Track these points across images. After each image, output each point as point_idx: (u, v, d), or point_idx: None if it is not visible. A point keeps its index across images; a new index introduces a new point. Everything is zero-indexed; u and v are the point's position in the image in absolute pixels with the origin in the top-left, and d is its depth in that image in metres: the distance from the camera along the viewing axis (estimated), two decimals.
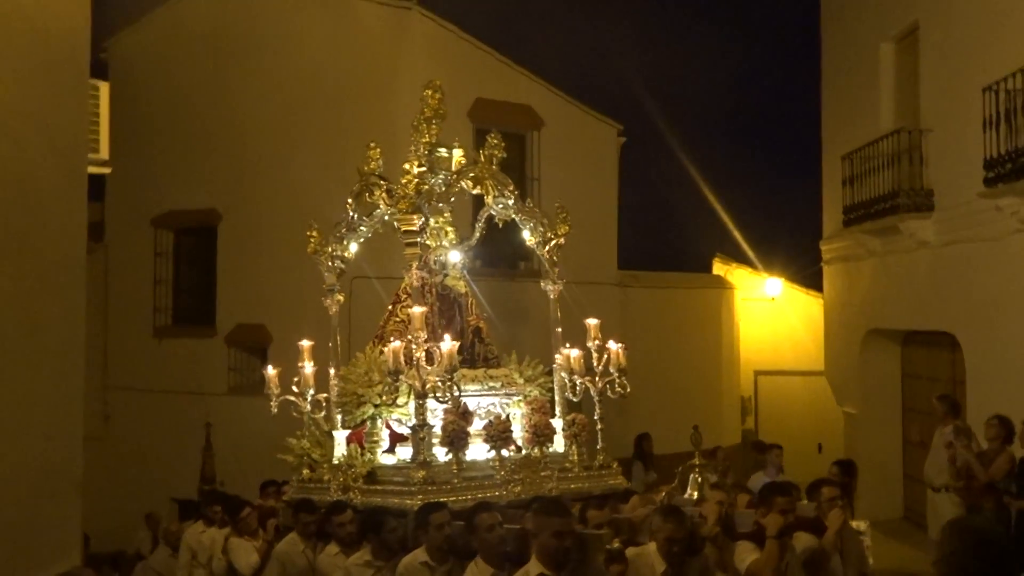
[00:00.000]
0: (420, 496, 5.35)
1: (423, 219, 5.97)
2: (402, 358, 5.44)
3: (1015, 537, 6.12)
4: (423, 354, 5.47)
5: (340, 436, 6.16)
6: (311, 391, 6.30)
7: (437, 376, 5.43)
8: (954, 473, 6.85)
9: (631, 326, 12.41)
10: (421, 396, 5.50)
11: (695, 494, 5.99)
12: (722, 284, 16.47)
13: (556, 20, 15.28)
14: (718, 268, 17.20)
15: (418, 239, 5.99)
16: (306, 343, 6.42)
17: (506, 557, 4.52)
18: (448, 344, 5.47)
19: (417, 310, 5.65)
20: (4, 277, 3.84)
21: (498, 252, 11.17)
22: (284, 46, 12.35)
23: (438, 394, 5.48)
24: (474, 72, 12.42)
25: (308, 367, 6.33)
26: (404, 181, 6.00)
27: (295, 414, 6.38)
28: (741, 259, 16.91)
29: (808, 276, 15.51)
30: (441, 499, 5.24)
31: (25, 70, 3.88)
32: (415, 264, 5.99)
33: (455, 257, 6.64)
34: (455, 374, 5.45)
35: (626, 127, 14.43)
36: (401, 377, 5.53)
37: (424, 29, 12.47)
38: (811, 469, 8.61)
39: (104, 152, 4.92)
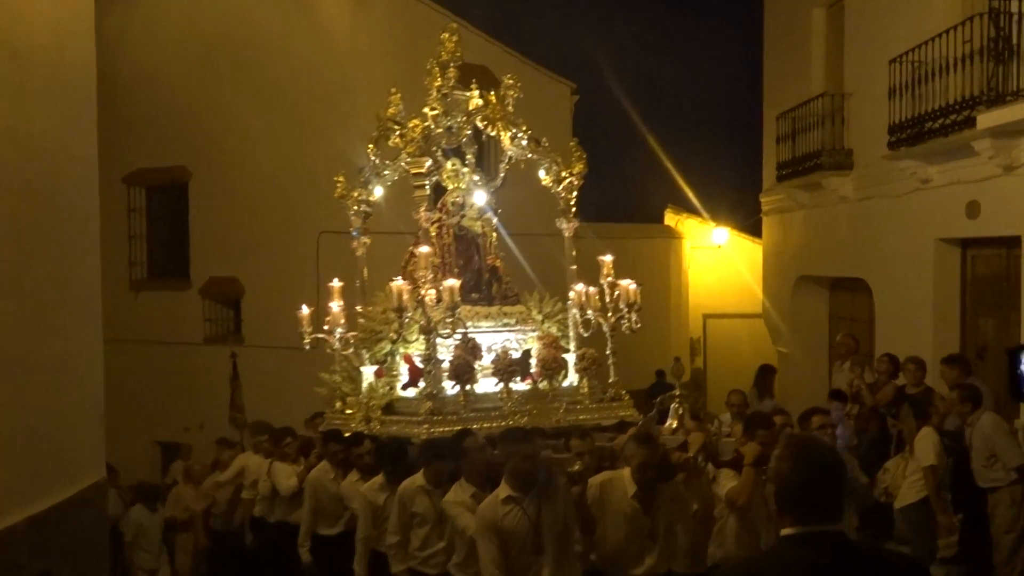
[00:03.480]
0: (426, 426, 5.57)
1: (430, 162, 6.06)
2: (405, 296, 5.56)
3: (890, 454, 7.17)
4: (430, 292, 5.63)
5: (368, 371, 6.34)
6: (340, 329, 6.36)
7: (443, 313, 5.57)
8: (850, 398, 7.84)
9: (586, 275, 13.19)
10: (426, 332, 5.72)
11: (674, 424, 6.13)
12: (672, 234, 17.38)
13: None
14: (670, 219, 18.09)
15: (426, 181, 6.09)
16: (336, 283, 6.47)
17: (487, 479, 4.79)
18: (450, 282, 5.62)
19: (423, 250, 5.76)
20: (43, 248, 4.63)
21: None
22: (253, 14, 12.75)
23: (442, 330, 5.65)
24: (431, 35, 12.91)
25: (336, 306, 6.36)
26: (411, 125, 6.08)
27: (328, 351, 6.48)
28: (691, 210, 17.77)
29: (751, 225, 16.40)
30: (446, 429, 5.49)
31: (44, 95, 4.63)
32: (424, 206, 6.11)
33: (480, 199, 6.61)
34: (457, 311, 5.59)
35: (580, 86, 15.04)
36: (409, 315, 5.67)
37: None
38: (754, 405, 9.39)
39: None
